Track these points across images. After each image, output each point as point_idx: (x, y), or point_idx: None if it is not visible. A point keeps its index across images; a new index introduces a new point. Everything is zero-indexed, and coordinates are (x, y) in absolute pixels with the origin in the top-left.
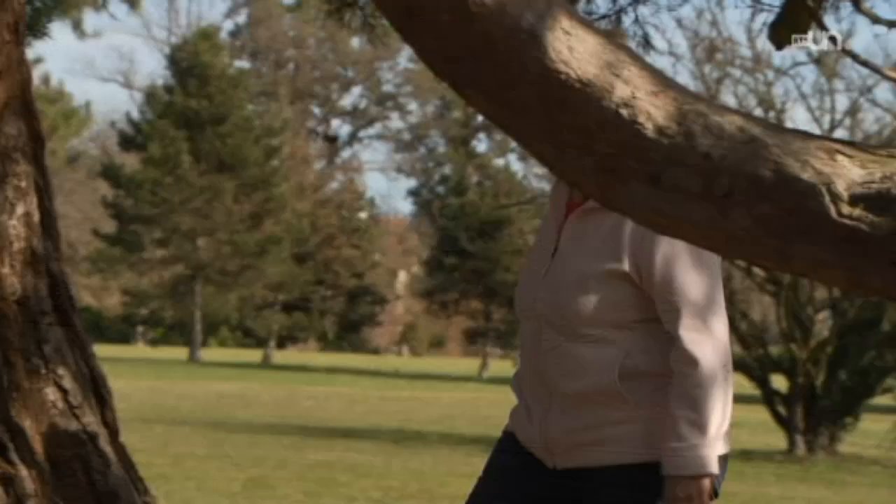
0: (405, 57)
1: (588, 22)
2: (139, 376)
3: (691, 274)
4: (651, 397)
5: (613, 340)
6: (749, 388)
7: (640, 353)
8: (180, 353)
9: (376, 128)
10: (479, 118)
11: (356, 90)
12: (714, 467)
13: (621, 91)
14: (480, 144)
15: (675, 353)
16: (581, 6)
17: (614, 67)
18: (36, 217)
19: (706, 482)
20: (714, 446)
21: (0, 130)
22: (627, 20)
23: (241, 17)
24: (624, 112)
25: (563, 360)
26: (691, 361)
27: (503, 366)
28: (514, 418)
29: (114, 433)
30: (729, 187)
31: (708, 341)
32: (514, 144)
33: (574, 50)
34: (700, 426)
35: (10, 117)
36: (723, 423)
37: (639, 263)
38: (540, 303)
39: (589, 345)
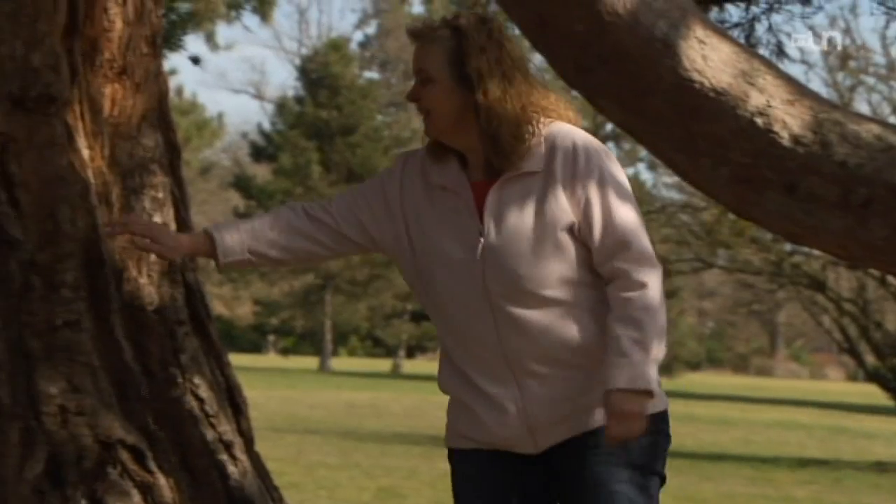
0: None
1: (722, 30)
2: (271, 385)
3: (626, 209)
4: None
5: (578, 301)
6: (883, 398)
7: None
8: (311, 362)
9: None
10: (608, 127)
11: None
12: (655, 386)
13: (756, 100)
14: None
15: (621, 283)
16: (713, 15)
17: (749, 76)
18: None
19: (647, 402)
20: (654, 368)
21: (138, 142)
22: (761, 28)
23: (371, 29)
24: (759, 121)
25: (532, 333)
26: (641, 286)
27: None
28: (463, 424)
29: (249, 442)
30: (867, 196)
31: (653, 271)
32: (643, 153)
33: (708, 59)
34: (643, 345)
35: (147, 129)
36: (661, 347)
37: (577, 208)
38: (491, 283)
39: (555, 309)
